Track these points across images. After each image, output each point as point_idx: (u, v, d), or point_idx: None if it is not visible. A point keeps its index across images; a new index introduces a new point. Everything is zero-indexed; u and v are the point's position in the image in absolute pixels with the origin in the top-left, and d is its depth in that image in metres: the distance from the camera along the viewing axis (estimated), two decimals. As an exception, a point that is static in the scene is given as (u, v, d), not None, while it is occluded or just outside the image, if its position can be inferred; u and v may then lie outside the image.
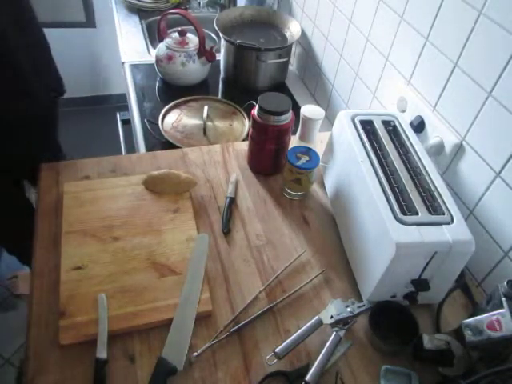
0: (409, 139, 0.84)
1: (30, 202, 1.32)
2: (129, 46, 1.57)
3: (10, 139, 1.05)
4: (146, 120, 1.21)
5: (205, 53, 1.34)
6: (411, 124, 0.91)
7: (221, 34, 1.35)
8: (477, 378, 0.59)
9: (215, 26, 1.36)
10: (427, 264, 0.68)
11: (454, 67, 0.82)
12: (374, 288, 0.72)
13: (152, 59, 1.42)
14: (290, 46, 1.41)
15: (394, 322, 0.71)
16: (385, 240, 0.67)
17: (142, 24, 1.70)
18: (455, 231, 0.67)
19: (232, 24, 1.45)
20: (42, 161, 0.94)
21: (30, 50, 1.02)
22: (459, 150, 0.84)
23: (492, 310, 0.63)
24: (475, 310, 0.75)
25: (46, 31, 1.08)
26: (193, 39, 1.35)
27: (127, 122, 1.76)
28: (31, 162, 0.94)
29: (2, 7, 0.92)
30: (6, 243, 1.54)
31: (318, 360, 0.65)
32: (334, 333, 0.68)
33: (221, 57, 1.44)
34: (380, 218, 0.69)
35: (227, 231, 0.85)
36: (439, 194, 0.74)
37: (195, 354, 0.66)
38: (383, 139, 0.83)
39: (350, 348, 0.71)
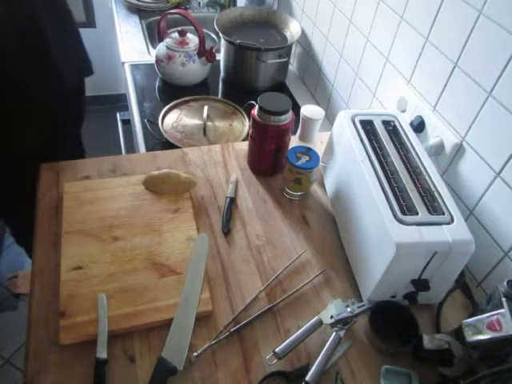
0: (409, 139, 0.84)
1: None
2: (129, 45, 1.57)
3: (30, 126, 1.08)
4: (145, 120, 1.21)
5: (205, 53, 1.34)
6: (411, 124, 0.91)
7: (221, 34, 1.35)
8: (477, 377, 0.59)
9: (215, 26, 1.36)
10: (427, 264, 0.68)
11: (454, 67, 0.82)
12: (373, 288, 0.72)
13: (152, 59, 1.42)
14: (290, 46, 1.41)
15: (394, 321, 0.71)
16: (385, 240, 0.67)
17: (141, 24, 1.70)
18: (455, 231, 0.67)
19: (232, 24, 1.45)
20: (61, 157, 0.95)
21: (60, 34, 1.05)
22: (459, 149, 0.84)
23: (492, 310, 0.63)
24: (475, 310, 0.75)
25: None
26: (193, 39, 1.35)
27: (127, 122, 1.75)
28: (51, 156, 0.95)
29: None
30: (17, 234, 1.54)
31: (317, 360, 0.65)
32: (334, 333, 0.68)
33: (221, 57, 1.44)
34: (380, 218, 0.69)
35: (227, 231, 0.85)
36: (439, 193, 0.74)
37: (195, 354, 0.66)
38: (383, 139, 0.83)
39: (350, 348, 0.71)
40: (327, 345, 0.67)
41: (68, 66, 1.10)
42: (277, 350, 0.65)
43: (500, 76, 0.72)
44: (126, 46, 1.56)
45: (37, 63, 1.02)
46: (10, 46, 0.94)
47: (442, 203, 0.72)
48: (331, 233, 0.89)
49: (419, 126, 0.91)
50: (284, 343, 0.66)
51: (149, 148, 1.15)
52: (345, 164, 0.86)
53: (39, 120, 1.10)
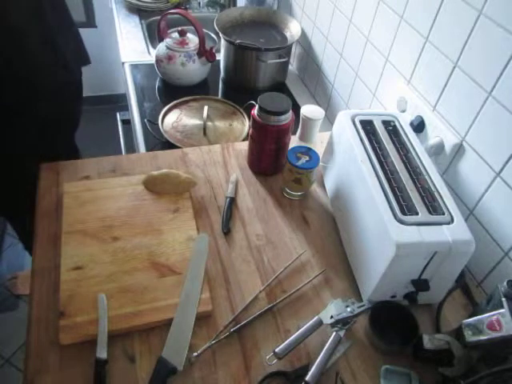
0: (409, 139, 0.84)
1: None
2: (129, 45, 1.57)
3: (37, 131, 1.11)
4: (145, 120, 1.21)
5: (205, 53, 1.34)
6: (411, 124, 0.91)
7: (221, 34, 1.35)
8: (477, 377, 0.59)
9: (215, 26, 1.36)
10: (427, 264, 0.68)
11: (454, 67, 0.82)
12: (374, 288, 0.72)
13: (152, 59, 1.42)
14: (290, 46, 1.41)
15: (394, 321, 0.71)
16: (385, 240, 0.67)
17: (142, 24, 1.71)
18: (455, 231, 0.67)
19: (232, 24, 1.45)
20: (61, 157, 0.96)
21: (62, 26, 1.09)
22: (459, 149, 0.84)
23: (492, 310, 0.63)
24: (475, 310, 0.75)
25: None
26: (193, 39, 1.35)
27: (127, 122, 1.76)
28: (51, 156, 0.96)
29: None
30: (22, 236, 1.54)
31: (317, 360, 0.65)
32: (334, 333, 0.68)
33: (221, 57, 1.44)
34: (380, 217, 0.69)
35: (227, 231, 0.85)
36: (439, 194, 0.74)
37: (195, 354, 0.66)
38: (383, 139, 0.83)
39: (350, 348, 0.71)
40: (327, 345, 0.67)
41: (71, 57, 1.13)
42: (277, 350, 0.65)
43: (500, 76, 0.72)
44: (126, 46, 1.56)
45: (42, 59, 1.04)
46: (16, 47, 0.95)
47: (442, 203, 0.72)
48: (331, 233, 0.89)
49: (419, 126, 0.91)
50: (284, 343, 0.66)
51: (149, 148, 1.15)
52: (345, 164, 0.86)
53: (39, 120, 1.10)
